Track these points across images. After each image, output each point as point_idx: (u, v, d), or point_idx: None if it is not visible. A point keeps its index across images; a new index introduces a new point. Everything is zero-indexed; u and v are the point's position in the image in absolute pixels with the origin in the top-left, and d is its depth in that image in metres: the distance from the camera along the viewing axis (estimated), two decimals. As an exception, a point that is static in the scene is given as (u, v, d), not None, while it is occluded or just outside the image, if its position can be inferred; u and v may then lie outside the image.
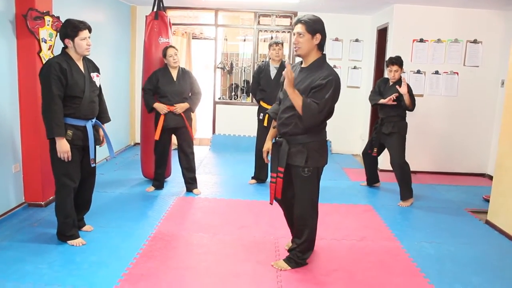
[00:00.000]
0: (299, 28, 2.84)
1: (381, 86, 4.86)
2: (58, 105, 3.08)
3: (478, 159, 6.28)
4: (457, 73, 6.08)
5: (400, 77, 4.65)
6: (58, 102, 3.07)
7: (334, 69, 2.91)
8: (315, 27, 2.82)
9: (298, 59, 3.08)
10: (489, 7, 5.78)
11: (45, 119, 3.10)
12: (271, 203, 3.13)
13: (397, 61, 4.62)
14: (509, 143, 4.04)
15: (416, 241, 3.74)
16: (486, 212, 4.38)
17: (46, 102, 3.08)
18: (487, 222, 4.27)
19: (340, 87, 2.87)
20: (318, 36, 2.84)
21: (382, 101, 4.69)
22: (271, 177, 3.05)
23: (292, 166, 2.96)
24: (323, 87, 2.76)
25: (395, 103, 4.60)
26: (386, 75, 4.95)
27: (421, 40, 6.00)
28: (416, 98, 4.67)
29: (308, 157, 2.89)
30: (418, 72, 6.04)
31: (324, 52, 2.94)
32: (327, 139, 3.05)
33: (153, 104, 4.51)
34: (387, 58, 5.95)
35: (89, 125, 3.28)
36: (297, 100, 2.81)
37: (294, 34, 2.90)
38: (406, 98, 4.51)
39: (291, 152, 2.93)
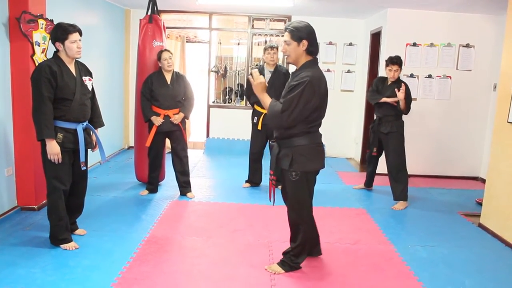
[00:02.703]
0: (286, 36, 2.88)
1: (379, 85, 4.89)
2: (48, 106, 3.07)
3: (471, 162, 6.31)
4: (450, 77, 6.12)
5: (399, 78, 4.71)
6: (48, 104, 3.07)
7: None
8: (300, 34, 2.83)
9: (292, 65, 3.08)
10: (481, 12, 5.83)
11: (35, 120, 3.10)
12: (269, 199, 3.16)
13: (398, 61, 4.66)
14: (502, 147, 4.07)
15: (410, 244, 3.75)
16: (479, 215, 4.40)
17: (36, 104, 3.08)
18: (480, 225, 4.29)
19: (318, 89, 2.81)
20: (305, 42, 2.84)
21: (385, 99, 4.70)
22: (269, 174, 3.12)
23: (282, 169, 2.98)
24: (293, 87, 2.79)
25: (395, 104, 4.65)
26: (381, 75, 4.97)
27: (414, 44, 6.04)
28: (409, 101, 4.71)
29: (292, 161, 2.88)
30: (411, 76, 6.07)
31: (316, 57, 2.95)
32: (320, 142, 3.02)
33: (151, 116, 4.52)
34: (380, 61, 6.00)
35: (79, 128, 3.27)
36: (265, 102, 2.91)
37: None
38: (402, 103, 4.57)
39: (280, 155, 2.96)
